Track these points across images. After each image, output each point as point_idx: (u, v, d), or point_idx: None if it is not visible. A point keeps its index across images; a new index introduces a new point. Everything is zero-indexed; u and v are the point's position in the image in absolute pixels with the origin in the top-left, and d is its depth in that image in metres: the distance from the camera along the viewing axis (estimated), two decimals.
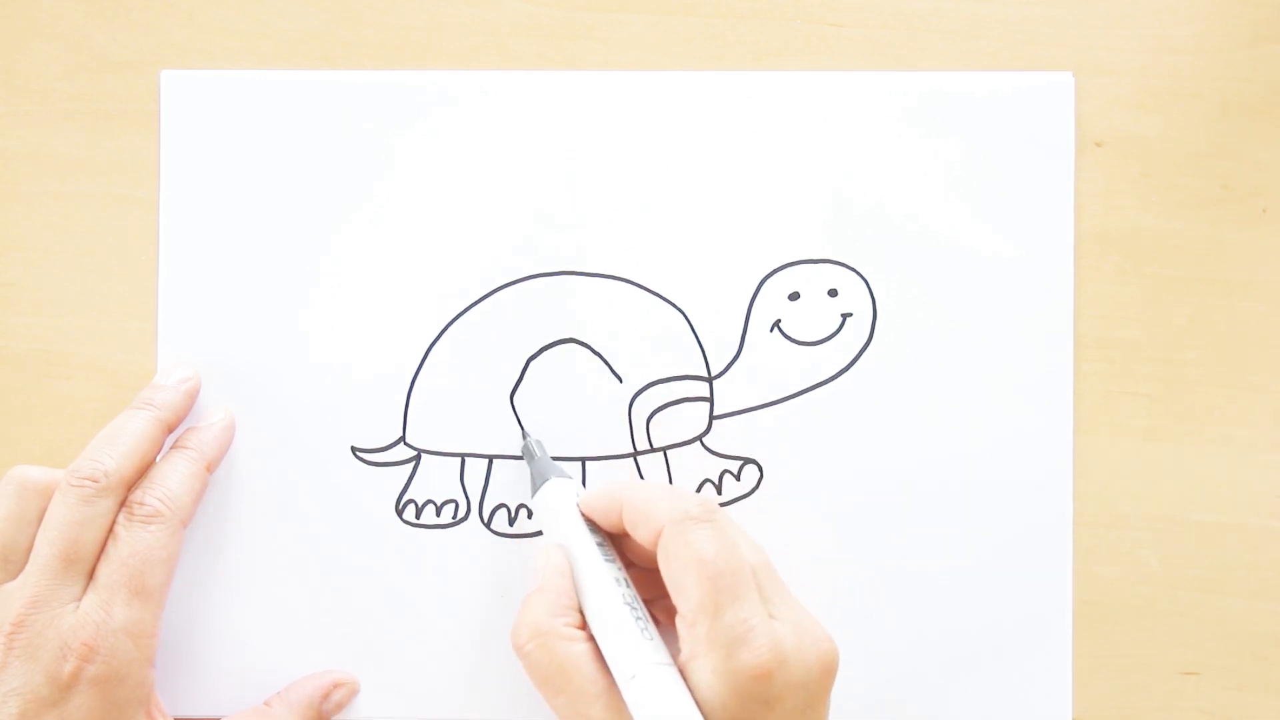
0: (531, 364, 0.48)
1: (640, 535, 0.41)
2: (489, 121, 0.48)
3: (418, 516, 0.48)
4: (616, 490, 0.42)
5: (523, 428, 0.47)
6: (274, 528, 0.48)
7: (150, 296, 0.49)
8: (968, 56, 0.49)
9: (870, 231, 0.48)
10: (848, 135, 0.48)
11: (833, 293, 0.48)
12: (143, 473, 0.45)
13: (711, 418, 0.48)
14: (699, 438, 0.48)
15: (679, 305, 0.48)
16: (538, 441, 0.47)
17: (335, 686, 0.47)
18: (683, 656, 0.39)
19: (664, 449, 0.48)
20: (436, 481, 0.48)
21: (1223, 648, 0.48)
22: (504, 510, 0.48)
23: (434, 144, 0.48)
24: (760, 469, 0.48)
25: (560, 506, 0.44)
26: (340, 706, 0.47)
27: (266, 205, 0.48)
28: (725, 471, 0.48)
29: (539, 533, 0.48)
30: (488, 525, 0.48)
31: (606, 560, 0.42)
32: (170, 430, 0.46)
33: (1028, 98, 0.48)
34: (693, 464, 0.48)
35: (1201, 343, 0.48)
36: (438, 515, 0.48)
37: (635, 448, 0.48)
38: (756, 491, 0.48)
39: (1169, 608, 0.48)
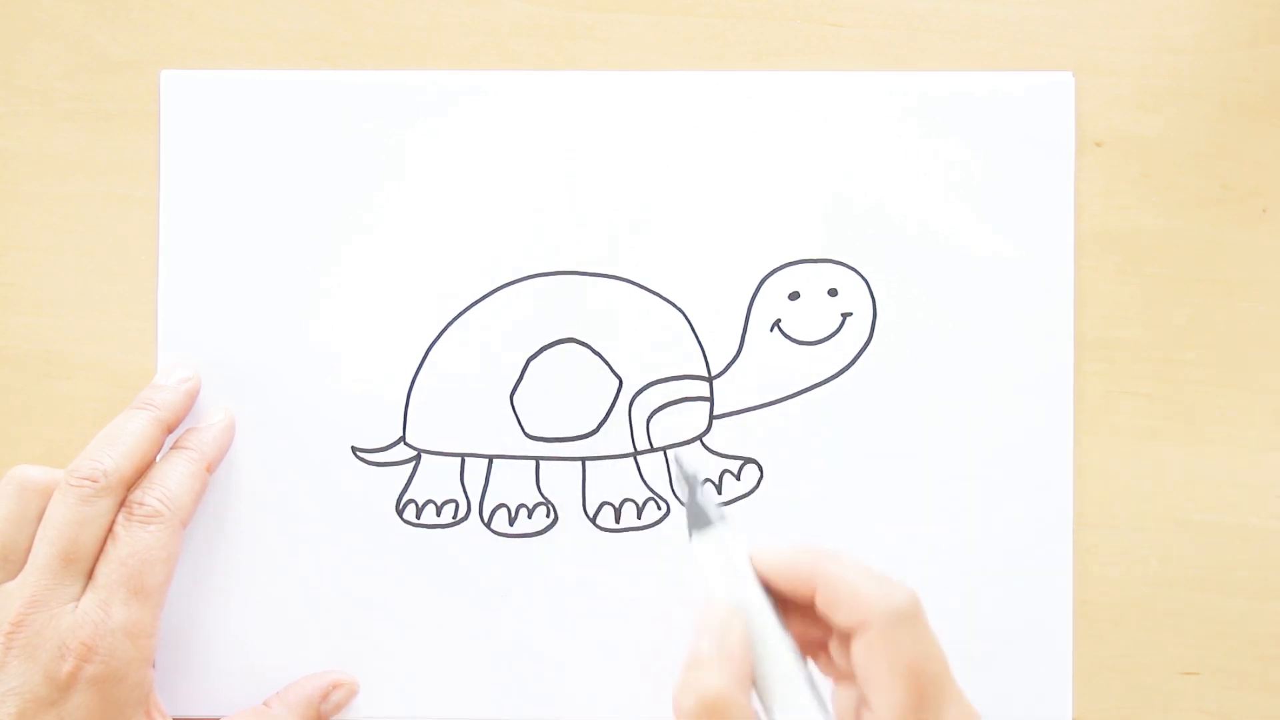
0: (531, 364, 0.48)
1: (839, 620, 0.38)
2: (489, 121, 0.48)
3: (418, 516, 0.48)
4: (812, 561, 0.38)
5: (680, 455, 0.44)
6: (274, 528, 0.48)
7: (150, 296, 0.49)
8: (968, 56, 0.49)
9: (870, 231, 0.48)
10: (848, 135, 0.48)
11: (833, 293, 0.48)
12: (142, 473, 0.45)
13: (711, 417, 0.48)
14: (699, 437, 0.48)
15: (679, 305, 0.48)
16: (699, 473, 0.42)
17: (334, 687, 0.47)
18: None
19: (664, 449, 0.48)
20: (436, 481, 0.48)
21: (1223, 648, 0.48)
22: (504, 510, 0.48)
23: (434, 144, 0.48)
24: (760, 469, 0.48)
25: (735, 562, 0.39)
26: (339, 707, 0.47)
27: (266, 205, 0.48)
28: (725, 471, 0.48)
29: (540, 532, 0.48)
30: (488, 525, 0.48)
31: (783, 631, 0.38)
32: (170, 430, 0.46)
33: (1028, 98, 0.48)
34: (692, 464, 0.48)
35: (1201, 343, 0.48)
36: (438, 515, 0.48)
37: (635, 447, 0.48)
38: (756, 491, 0.48)
39: (1169, 608, 0.48)
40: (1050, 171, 0.48)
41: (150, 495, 0.44)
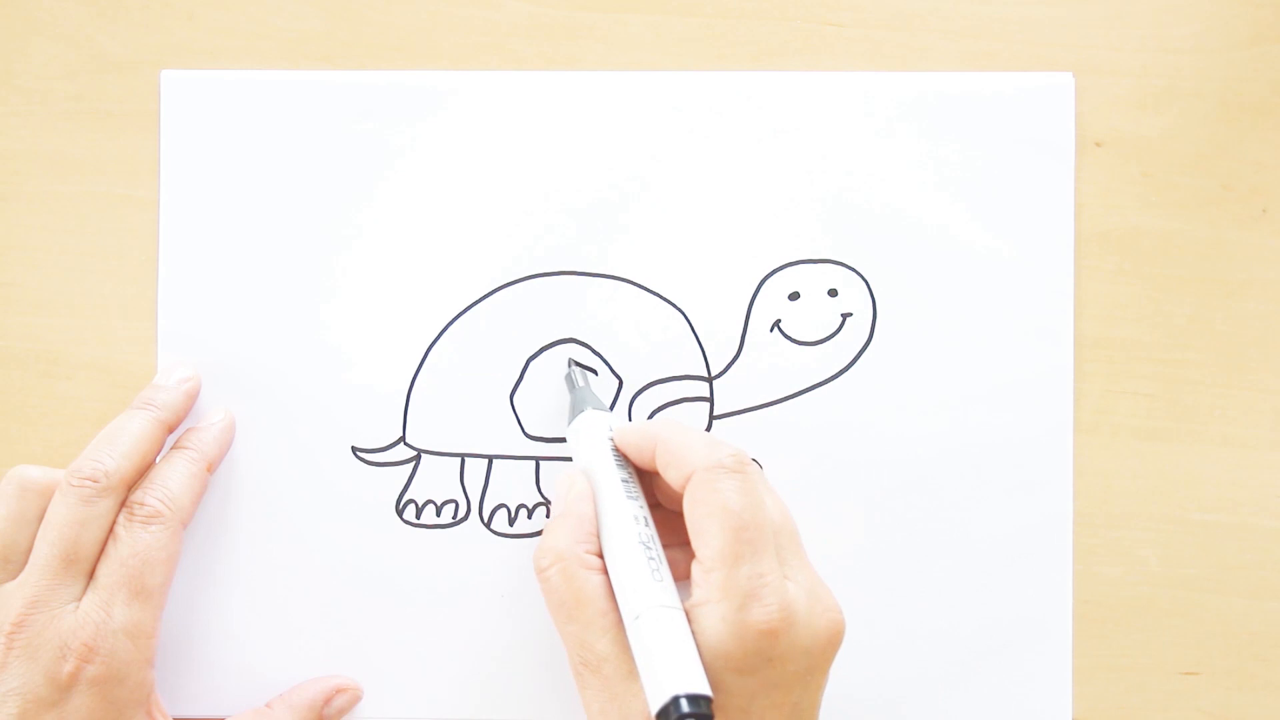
0: (531, 364, 0.48)
1: (670, 477, 0.41)
2: (489, 121, 0.48)
3: (418, 516, 0.48)
4: (653, 429, 0.42)
5: (571, 359, 0.47)
6: (274, 528, 0.48)
7: (150, 296, 0.49)
8: (968, 56, 0.49)
9: (870, 231, 0.48)
10: (848, 135, 0.48)
11: (833, 293, 0.48)
12: (143, 473, 0.45)
13: (711, 418, 0.48)
14: None
15: (679, 305, 0.48)
16: (581, 371, 0.47)
17: (338, 691, 0.47)
18: (692, 600, 0.39)
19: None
20: (436, 481, 0.48)
21: (1223, 648, 0.48)
22: (504, 510, 0.48)
23: (434, 144, 0.48)
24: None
25: (593, 436, 0.44)
26: (342, 712, 0.47)
27: (266, 205, 0.48)
28: None
29: (540, 532, 0.48)
30: (488, 525, 0.48)
31: (630, 496, 0.42)
32: (170, 430, 0.46)
33: (1028, 98, 0.48)
34: None
35: (1201, 343, 0.48)
36: (438, 515, 0.48)
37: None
38: None
39: (1169, 608, 0.48)
40: (1050, 171, 0.48)
41: (151, 496, 0.44)
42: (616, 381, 0.48)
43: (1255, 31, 0.49)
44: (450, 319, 0.48)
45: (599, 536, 0.41)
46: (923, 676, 0.48)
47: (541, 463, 0.48)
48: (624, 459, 0.43)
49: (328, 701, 0.47)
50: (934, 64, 0.49)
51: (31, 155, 0.49)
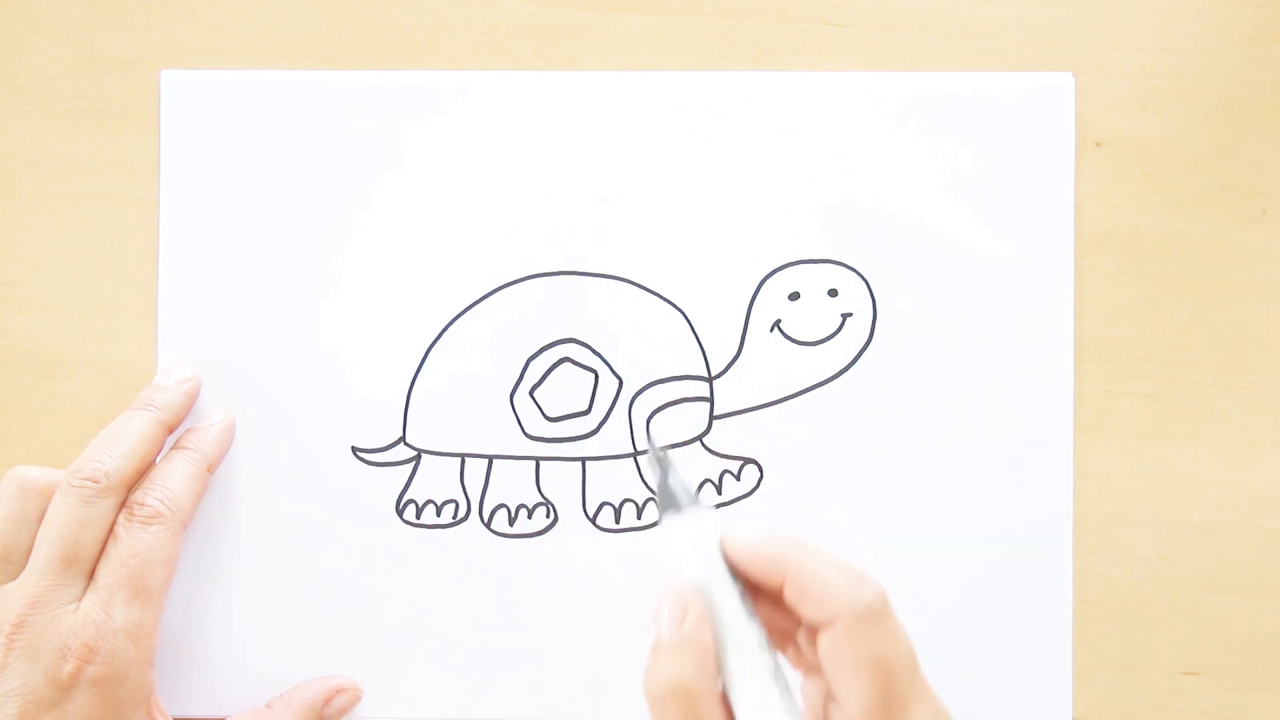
0: (531, 364, 0.48)
1: (806, 612, 0.37)
2: (489, 121, 0.48)
3: (418, 516, 0.48)
4: (781, 552, 0.38)
5: (650, 434, 0.43)
6: (274, 528, 0.48)
7: (150, 296, 0.49)
8: (968, 56, 0.49)
9: (870, 231, 0.48)
10: (848, 135, 0.48)
11: (833, 293, 0.48)
12: (143, 473, 0.45)
13: (711, 418, 0.48)
14: (699, 438, 0.48)
15: (679, 305, 0.48)
16: (666, 454, 0.41)
17: (338, 692, 0.47)
18: None
19: (660, 448, 0.48)
20: (436, 481, 0.48)
21: (1223, 648, 0.48)
22: (504, 510, 0.48)
23: (434, 144, 0.48)
24: (760, 469, 0.48)
25: (704, 546, 0.38)
26: (342, 712, 0.47)
27: (266, 206, 0.48)
28: (725, 471, 0.48)
29: (540, 532, 0.48)
30: (488, 525, 0.48)
31: (750, 618, 0.37)
32: (170, 431, 0.46)
33: (1028, 98, 0.48)
34: (693, 464, 0.48)
35: (1201, 343, 0.48)
36: (438, 515, 0.48)
37: (635, 448, 0.48)
38: (756, 491, 0.48)
39: (1169, 608, 0.48)
40: (1050, 171, 0.48)
41: (151, 496, 0.44)
42: (616, 381, 0.48)
43: (1255, 31, 0.49)
44: (450, 319, 0.48)
45: (718, 662, 0.37)
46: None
47: (541, 463, 0.48)
48: (736, 574, 0.38)
49: (328, 701, 0.47)
50: (934, 64, 0.49)
51: (31, 155, 0.49)
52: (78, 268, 0.49)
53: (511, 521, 0.48)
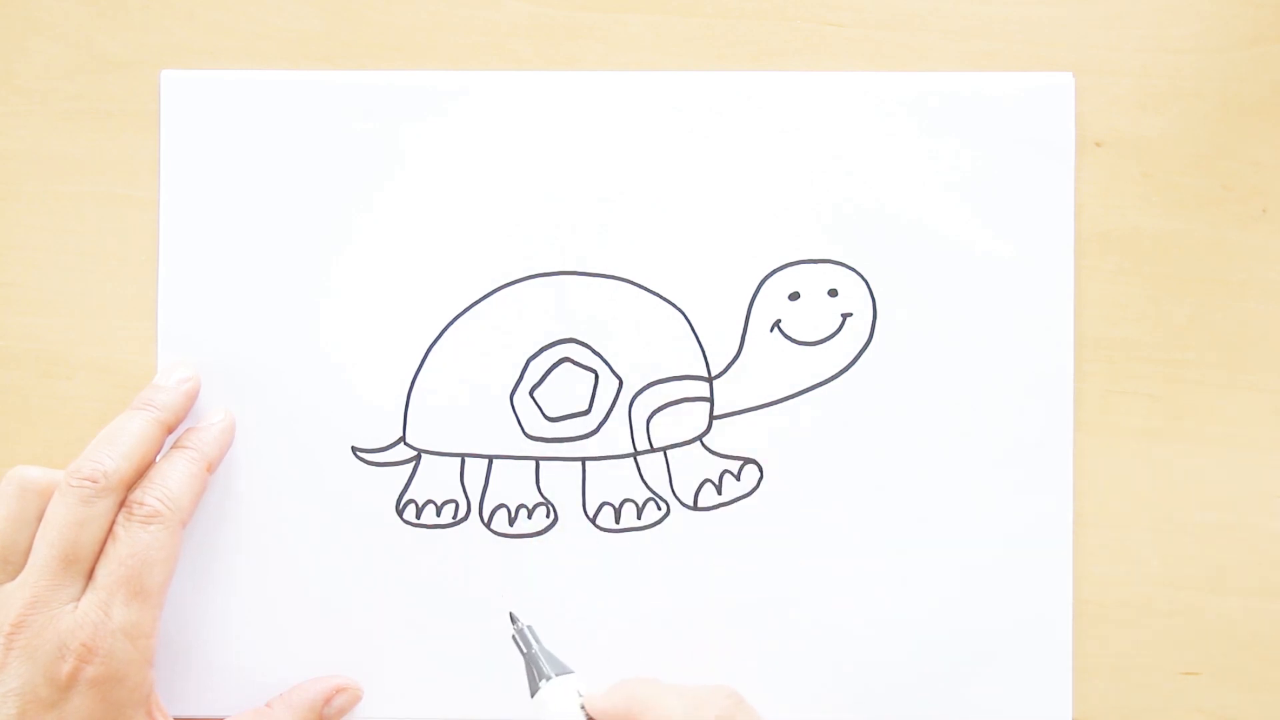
0: (531, 364, 0.48)
1: None
2: (489, 121, 0.48)
3: (418, 516, 0.48)
4: (628, 692, 0.40)
5: (512, 615, 0.45)
6: (274, 528, 0.48)
7: (150, 296, 0.49)
8: (968, 56, 0.49)
9: (870, 231, 0.48)
10: (848, 135, 0.48)
11: (833, 293, 0.48)
12: (142, 473, 0.45)
13: (711, 418, 0.48)
14: (699, 438, 0.48)
15: (679, 305, 0.48)
16: (530, 629, 0.44)
17: (338, 691, 0.47)
18: None
19: (664, 449, 0.48)
20: (436, 481, 0.48)
21: (1223, 648, 0.48)
22: (504, 510, 0.48)
23: (434, 144, 0.48)
24: (760, 469, 0.48)
25: (564, 709, 0.41)
26: (343, 712, 0.47)
27: (266, 206, 0.48)
28: (725, 471, 0.48)
29: (540, 532, 0.48)
30: (488, 525, 0.48)
31: None
32: (170, 431, 0.46)
33: (1028, 98, 0.48)
34: (693, 464, 0.48)
35: (1201, 343, 0.48)
36: (438, 515, 0.48)
37: (635, 448, 0.48)
38: (756, 491, 0.48)
39: (1169, 608, 0.48)
40: (1050, 171, 0.48)
41: (150, 495, 0.44)
42: (616, 381, 0.48)
43: (1255, 31, 0.49)
44: (450, 319, 0.48)
45: None
46: (923, 676, 0.48)
47: (541, 463, 0.48)
48: None
49: (328, 701, 0.47)
50: (934, 64, 0.49)
51: (31, 155, 0.49)
52: (78, 268, 0.49)
53: (511, 521, 0.48)
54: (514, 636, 0.44)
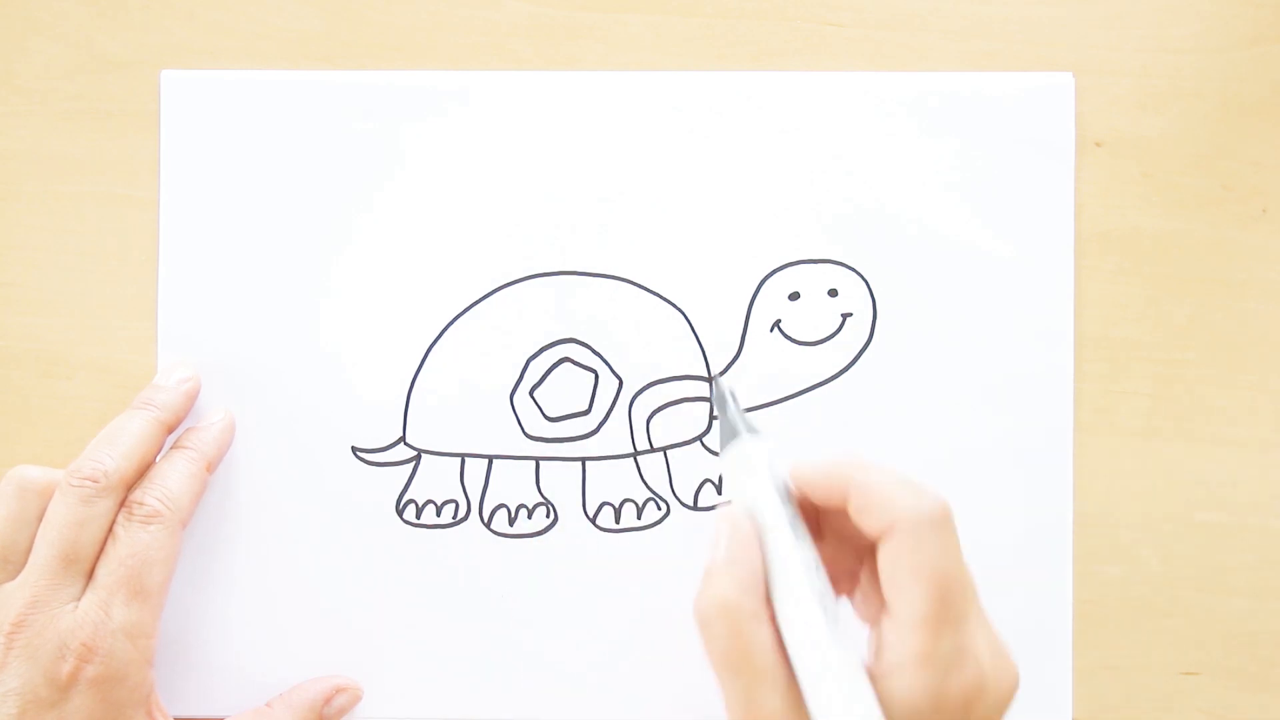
0: (531, 364, 0.48)
1: (865, 524, 0.37)
2: (489, 121, 0.48)
3: (418, 516, 0.48)
4: (845, 470, 0.38)
5: (710, 372, 0.45)
6: (274, 528, 0.48)
7: (150, 296, 0.49)
8: (968, 56, 0.49)
9: (870, 231, 0.48)
10: (848, 135, 0.48)
11: (833, 293, 0.48)
12: (142, 473, 0.45)
13: (711, 417, 0.48)
14: (699, 438, 0.48)
15: (679, 305, 0.48)
16: (731, 390, 0.41)
17: (338, 691, 0.47)
18: (884, 661, 0.36)
19: (664, 449, 0.48)
20: (436, 481, 0.48)
21: (1223, 648, 0.48)
22: (504, 510, 0.48)
23: (434, 144, 0.48)
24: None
25: (755, 469, 0.39)
26: (343, 711, 0.47)
27: (266, 206, 0.48)
28: None
29: (540, 532, 0.48)
30: (488, 525, 0.48)
31: (799, 540, 0.38)
32: (170, 430, 0.46)
33: (1028, 98, 0.48)
34: (693, 464, 0.48)
35: (1201, 343, 0.48)
36: (438, 515, 0.48)
37: (635, 448, 0.48)
38: None
39: (1169, 608, 0.48)
40: (1050, 171, 0.48)
41: (150, 495, 0.44)
42: (616, 381, 0.48)
43: (1255, 31, 0.49)
44: (450, 319, 0.48)
45: (766, 584, 0.38)
46: None
47: (541, 463, 0.48)
48: (789, 494, 0.39)
49: (328, 701, 0.47)
50: (934, 64, 0.49)
51: (31, 155, 0.49)
52: (78, 268, 0.49)
53: (511, 521, 0.48)
54: (715, 394, 0.44)
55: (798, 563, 0.37)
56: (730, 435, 0.40)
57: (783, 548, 0.37)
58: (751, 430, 0.40)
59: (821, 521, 0.40)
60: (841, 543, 0.39)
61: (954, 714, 0.35)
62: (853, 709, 0.35)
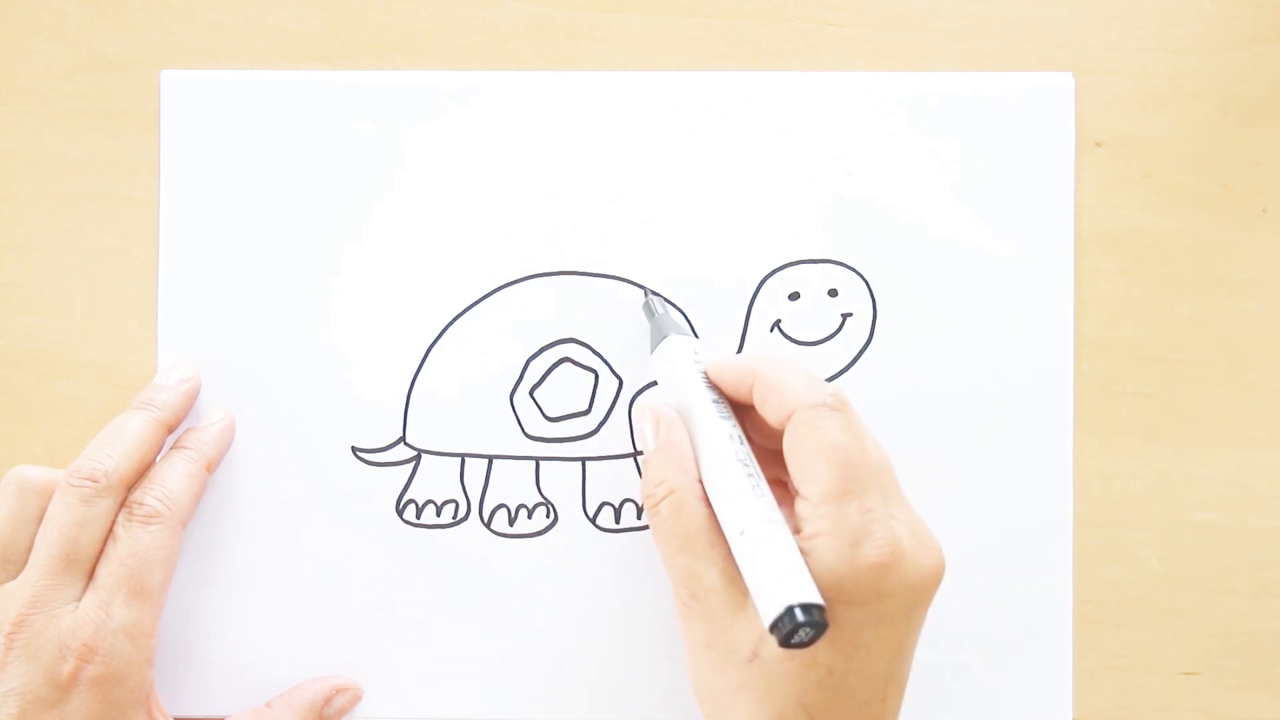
0: (531, 364, 0.48)
1: (769, 413, 0.41)
2: (489, 122, 0.48)
3: (418, 516, 0.48)
4: (750, 363, 0.42)
5: (644, 286, 0.47)
6: (274, 528, 0.48)
7: (150, 296, 0.49)
8: (968, 56, 0.49)
9: (870, 231, 0.48)
10: (848, 135, 0.48)
11: (833, 293, 0.48)
12: (143, 473, 0.45)
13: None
14: None
15: (679, 305, 0.48)
16: (660, 299, 0.46)
17: (338, 691, 0.47)
18: (801, 534, 0.38)
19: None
20: (436, 481, 0.48)
21: (1223, 648, 0.48)
22: (504, 510, 0.48)
23: (434, 144, 0.48)
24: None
25: (680, 361, 0.43)
26: (343, 712, 0.47)
27: (266, 206, 0.48)
28: None
29: (540, 532, 0.48)
30: (488, 525, 0.48)
31: (723, 417, 0.41)
32: (170, 430, 0.46)
33: (1028, 98, 0.48)
34: None
35: (1201, 343, 0.48)
36: (438, 515, 0.48)
37: (635, 448, 0.48)
38: None
39: (1169, 608, 0.48)
40: (1050, 171, 0.48)
41: (150, 495, 0.44)
42: (616, 381, 0.48)
43: (1255, 31, 0.49)
44: (450, 319, 0.48)
45: (697, 463, 0.41)
46: (923, 676, 0.47)
47: (541, 463, 0.48)
48: (713, 386, 0.42)
49: (328, 701, 0.47)
50: (934, 64, 0.49)
51: (31, 155, 0.49)
52: (78, 268, 0.49)
53: (511, 521, 0.48)
54: (645, 304, 0.47)
55: (721, 434, 0.40)
56: (661, 335, 0.44)
57: (706, 424, 0.41)
58: (679, 331, 0.44)
59: (744, 420, 0.43)
60: (765, 439, 0.42)
61: (869, 578, 0.37)
62: (777, 559, 0.37)
